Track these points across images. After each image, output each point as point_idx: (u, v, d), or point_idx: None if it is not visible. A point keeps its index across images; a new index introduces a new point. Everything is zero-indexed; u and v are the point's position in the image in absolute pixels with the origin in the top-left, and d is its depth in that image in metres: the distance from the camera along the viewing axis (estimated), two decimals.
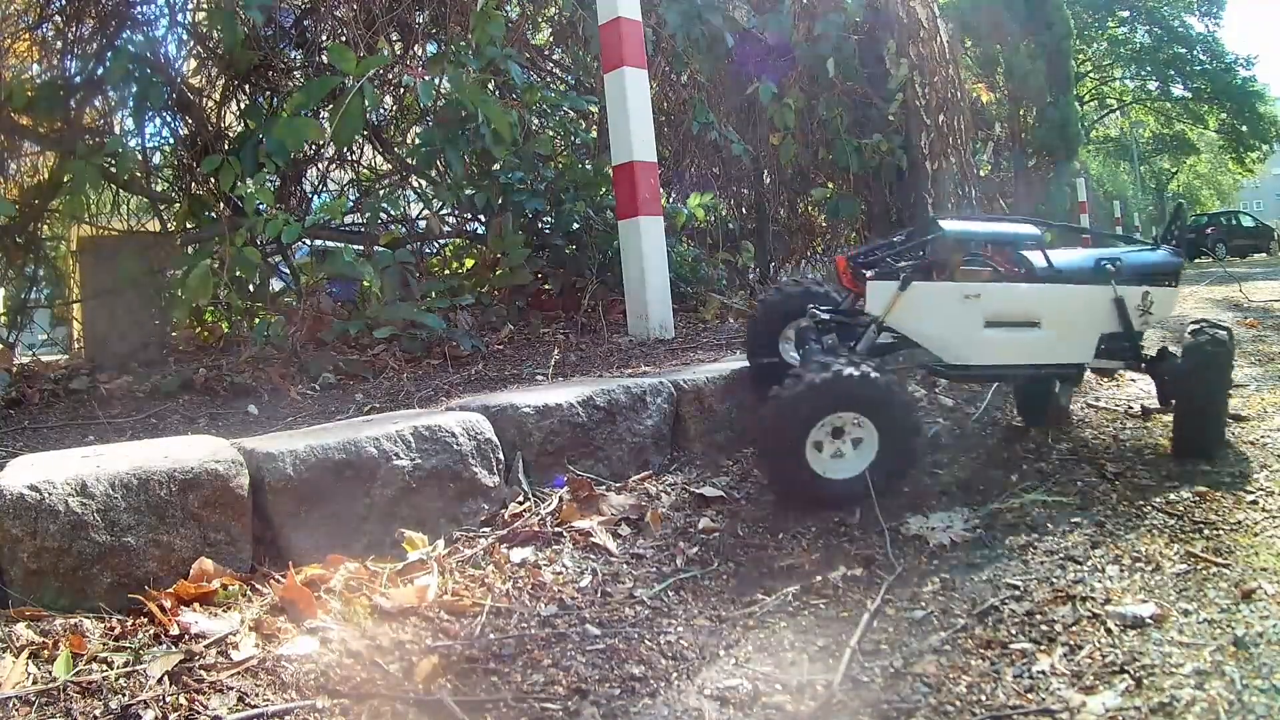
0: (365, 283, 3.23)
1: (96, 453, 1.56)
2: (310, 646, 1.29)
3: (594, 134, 4.54)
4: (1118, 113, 28.41)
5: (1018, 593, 1.41)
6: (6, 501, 1.32)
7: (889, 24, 6.83)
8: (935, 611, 1.38)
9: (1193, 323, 2.12)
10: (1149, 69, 26.38)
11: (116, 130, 3.62)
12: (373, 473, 1.67)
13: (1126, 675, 1.13)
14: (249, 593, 1.44)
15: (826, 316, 2.12)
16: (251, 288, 3.37)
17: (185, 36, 3.73)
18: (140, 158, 3.62)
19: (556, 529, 1.76)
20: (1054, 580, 1.44)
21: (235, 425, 2.28)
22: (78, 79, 3.53)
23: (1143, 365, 2.12)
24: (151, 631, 1.30)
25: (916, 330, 2.02)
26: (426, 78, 3.19)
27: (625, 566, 1.63)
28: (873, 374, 1.79)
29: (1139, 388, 2.94)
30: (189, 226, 3.53)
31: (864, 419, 1.82)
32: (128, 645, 1.25)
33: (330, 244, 3.65)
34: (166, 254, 3.30)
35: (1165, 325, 3.49)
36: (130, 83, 3.33)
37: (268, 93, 3.76)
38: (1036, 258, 2.07)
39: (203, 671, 1.21)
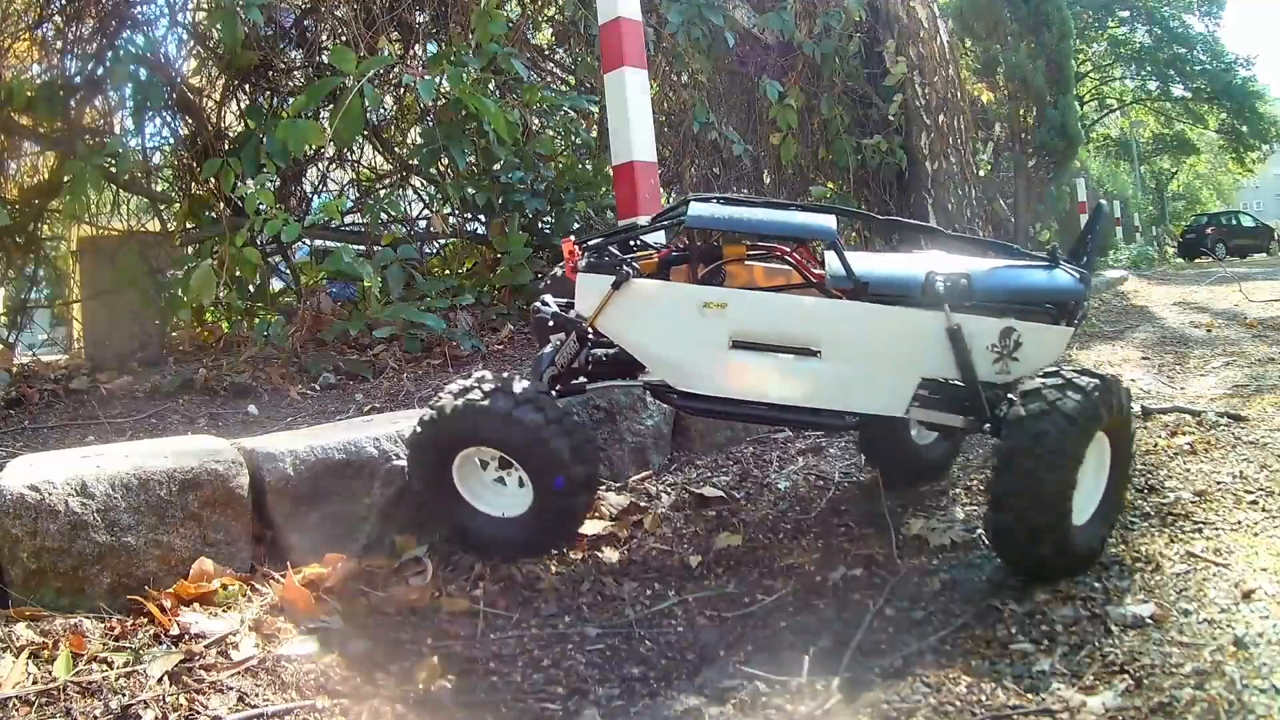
0: (365, 283, 3.23)
1: (96, 453, 1.56)
2: (310, 646, 1.29)
3: (594, 134, 4.54)
4: (1118, 113, 28.40)
5: (1018, 593, 1.41)
6: (6, 501, 1.32)
7: (889, 24, 6.84)
8: (936, 611, 1.38)
9: (1043, 374, 1.46)
10: (1149, 69, 26.36)
11: (116, 130, 3.62)
12: (373, 473, 1.67)
13: (1126, 675, 1.13)
14: (249, 593, 1.44)
15: (552, 311, 1.67)
16: (251, 288, 3.37)
17: (185, 36, 3.73)
18: (140, 158, 3.62)
19: None
20: (1054, 580, 1.43)
21: (235, 425, 2.28)
22: (78, 79, 3.53)
23: (987, 427, 1.52)
24: (151, 631, 1.30)
25: (634, 342, 1.57)
26: (427, 77, 3.19)
27: (625, 566, 1.63)
28: (502, 408, 1.48)
29: (1138, 388, 2.94)
30: (189, 226, 3.53)
31: (507, 458, 1.55)
32: (128, 645, 1.26)
33: (330, 244, 3.66)
34: (166, 254, 3.29)
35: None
36: (130, 83, 3.33)
37: (268, 93, 3.76)
38: (831, 261, 1.56)
39: (203, 671, 1.21)
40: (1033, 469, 1.35)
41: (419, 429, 1.57)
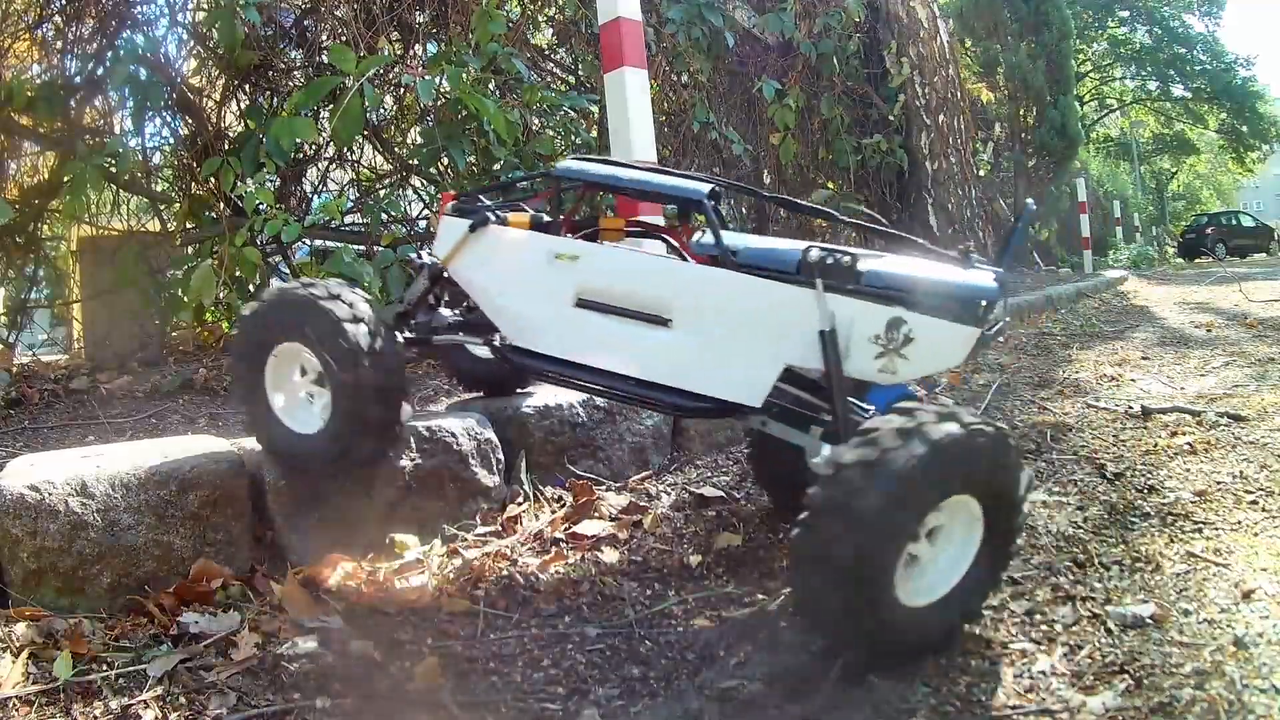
0: (365, 283, 3.23)
1: (96, 453, 1.56)
2: (310, 646, 1.29)
3: (594, 134, 4.54)
4: (1118, 113, 28.40)
5: (1018, 592, 1.41)
6: (6, 501, 1.32)
7: (889, 24, 6.84)
8: None
9: (900, 409, 1.18)
10: (1149, 69, 26.37)
11: (116, 130, 3.62)
12: (372, 473, 1.67)
13: (1126, 675, 1.13)
14: (249, 593, 1.44)
15: (428, 261, 1.65)
16: (251, 288, 3.37)
17: (185, 36, 3.73)
18: (140, 158, 3.62)
19: (557, 529, 1.76)
20: (1054, 580, 1.44)
21: (235, 425, 2.28)
22: (78, 79, 3.53)
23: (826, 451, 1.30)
24: (151, 631, 1.30)
25: (479, 288, 1.52)
26: (427, 77, 3.19)
27: (625, 566, 1.63)
28: (315, 294, 1.42)
29: (1139, 387, 2.94)
30: (189, 226, 3.53)
31: (311, 354, 1.46)
32: (128, 645, 1.26)
33: (330, 244, 3.65)
34: (166, 254, 3.30)
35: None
36: (130, 83, 3.33)
37: (268, 93, 3.76)
38: (706, 231, 1.44)
39: (203, 671, 1.21)
40: (838, 535, 1.08)
41: (241, 319, 1.55)
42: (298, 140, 3.02)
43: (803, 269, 1.34)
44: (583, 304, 1.42)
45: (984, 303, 1.30)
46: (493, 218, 1.52)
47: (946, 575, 1.22)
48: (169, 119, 3.76)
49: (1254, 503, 1.71)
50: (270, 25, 3.55)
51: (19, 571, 1.33)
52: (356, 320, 1.42)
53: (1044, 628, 1.29)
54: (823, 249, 1.35)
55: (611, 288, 1.41)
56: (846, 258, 1.32)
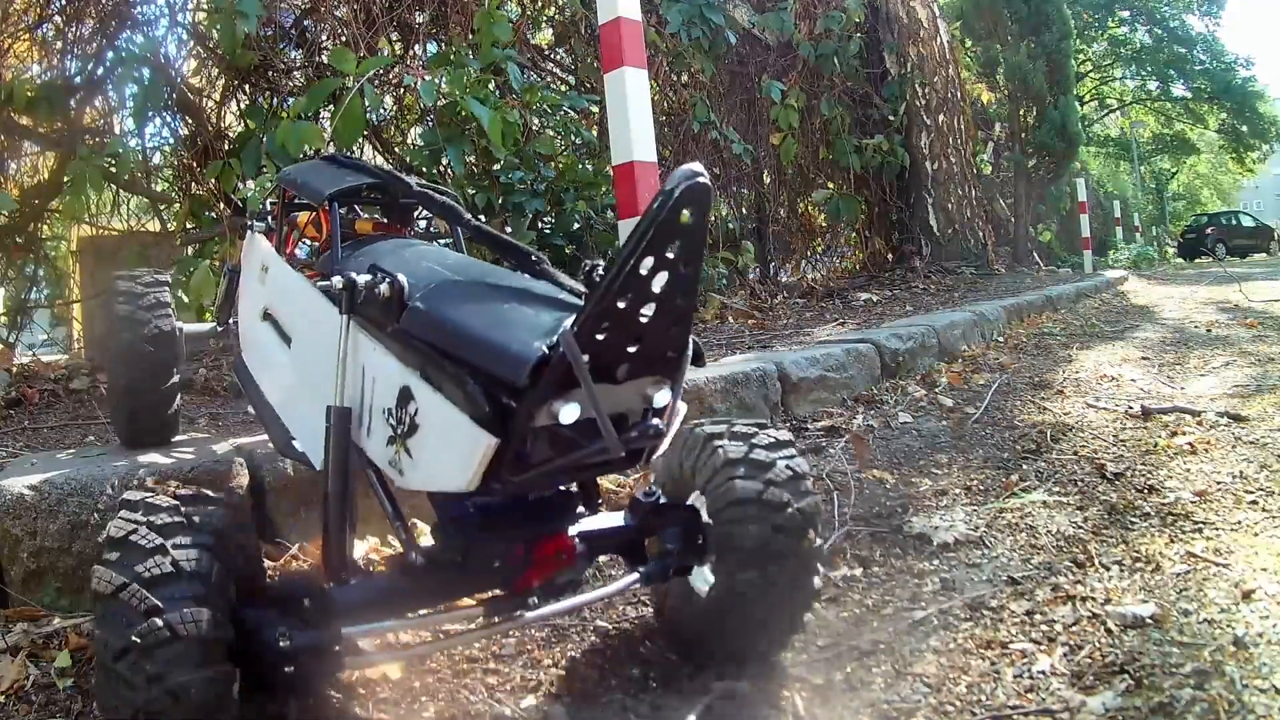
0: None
1: (97, 453, 1.56)
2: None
3: (594, 134, 4.54)
4: (1118, 113, 28.39)
5: (1018, 592, 1.41)
6: (6, 501, 1.32)
7: (889, 24, 6.85)
8: (935, 611, 1.38)
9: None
10: (1149, 69, 26.37)
11: (116, 130, 3.62)
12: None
13: (1126, 675, 1.13)
14: None
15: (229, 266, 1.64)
16: None
17: (185, 36, 3.73)
18: (140, 158, 3.63)
19: None
20: (1054, 580, 1.44)
21: (235, 425, 2.28)
22: (78, 79, 3.53)
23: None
24: None
25: (239, 293, 1.46)
26: (427, 77, 3.19)
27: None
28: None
29: (1139, 387, 2.94)
30: (189, 226, 3.54)
31: None
32: None
33: None
34: (166, 254, 3.30)
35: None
36: (130, 83, 3.34)
37: (268, 93, 3.77)
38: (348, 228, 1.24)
39: None
40: None
41: None
42: (307, 146, 3.03)
43: (330, 292, 0.98)
44: (266, 316, 1.25)
45: (508, 381, 0.77)
46: (257, 224, 1.40)
47: None
48: (169, 119, 3.77)
49: (1254, 503, 1.71)
50: (270, 25, 3.55)
51: (19, 571, 1.33)
52: (129, 318, 1.51)
53: (1044, 628, 1.29)
54: (365, 261, 1.03)
55: (276, 301, 1.23)
56: (388, 282, 0.90)
